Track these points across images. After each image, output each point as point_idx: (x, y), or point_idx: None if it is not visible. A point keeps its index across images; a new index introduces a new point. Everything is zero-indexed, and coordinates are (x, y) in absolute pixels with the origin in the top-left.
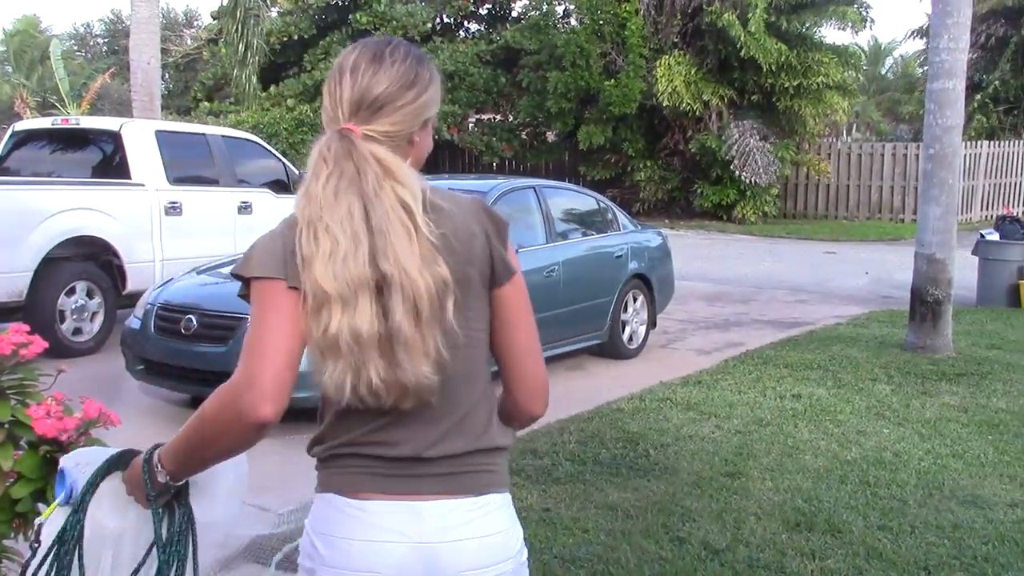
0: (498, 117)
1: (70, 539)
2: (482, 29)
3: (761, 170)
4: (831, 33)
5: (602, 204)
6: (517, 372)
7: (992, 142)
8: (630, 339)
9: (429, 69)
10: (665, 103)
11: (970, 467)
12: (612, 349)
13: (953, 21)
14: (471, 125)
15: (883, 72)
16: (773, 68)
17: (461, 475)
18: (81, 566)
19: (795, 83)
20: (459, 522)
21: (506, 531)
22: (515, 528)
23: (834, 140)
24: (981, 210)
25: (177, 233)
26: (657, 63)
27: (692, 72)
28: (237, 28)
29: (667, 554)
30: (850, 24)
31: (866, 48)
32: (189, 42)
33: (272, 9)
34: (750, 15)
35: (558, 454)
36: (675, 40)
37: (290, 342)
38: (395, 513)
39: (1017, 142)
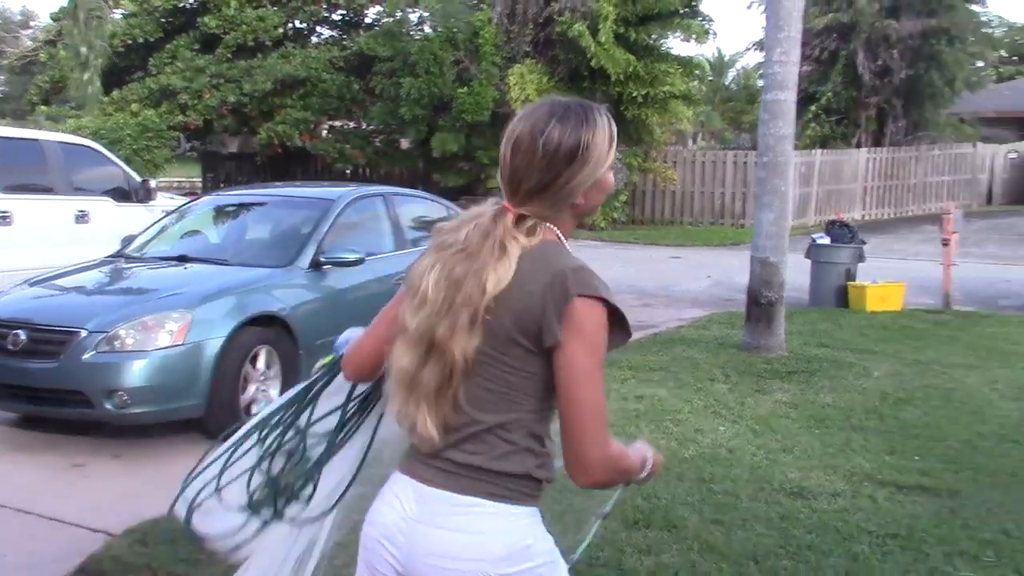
0: (351, 124)
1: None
2: (335, 35)
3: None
4: (677, 45)
5: (453, 211)
6: (563, 437)
7: (825, 150)
8: None
9: (591, 132)
10: (518, 111)
11: (798, 460)
12: None
13: (785, 35)
14: (324, 132)
15: (727, 83)
16: (622, 78)
17: (463, 477)
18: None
19: (643, 92)
20: (443, 512)
21: (487, 534)
22: (503, 536)
23: (680, 148)
24: (815, 215)
25: (7, 244)
26: (510, 71)
27: (544, 81)
28: (78, 29)
29: None
30: (694, 36)
31: (711, 60)
32: (27, 43)
33: (115, 11)
34: (600, 26)
35: None
36: (527, 49)
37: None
38: (403, 486)
39: (846, 151)
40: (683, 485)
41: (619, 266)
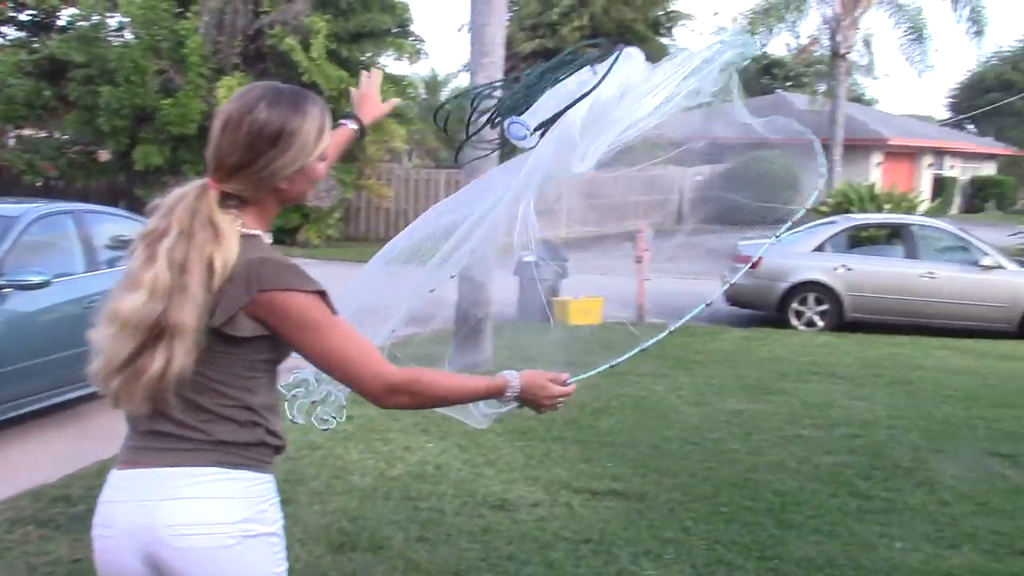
0: (42, 133)
1: None
2: (23, 37)
3: (324, 194)
4: (391, 64)
5: None
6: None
7: None
8: None
9: (300, 119)
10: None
11: (501, 473)
12: None
13: (489, 60)
14: (11, 141)
15: (441, 102)
16: (335, 94)
17: (197, 451)
18: None
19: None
20: (181, 484)
21: (228, 499)
22: (243, 500)
23: (394, 166)
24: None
25: None
26: (218, 84)
27: None
28: None
29: None
30: (407, 56)
31: (426, 79)
32: None
33: None
34: (312, 41)
35: (95, 499)
36: (236, 61)
37: None
38: (130, 479)
39: None
40: (389, 504)
41: (333, 284)
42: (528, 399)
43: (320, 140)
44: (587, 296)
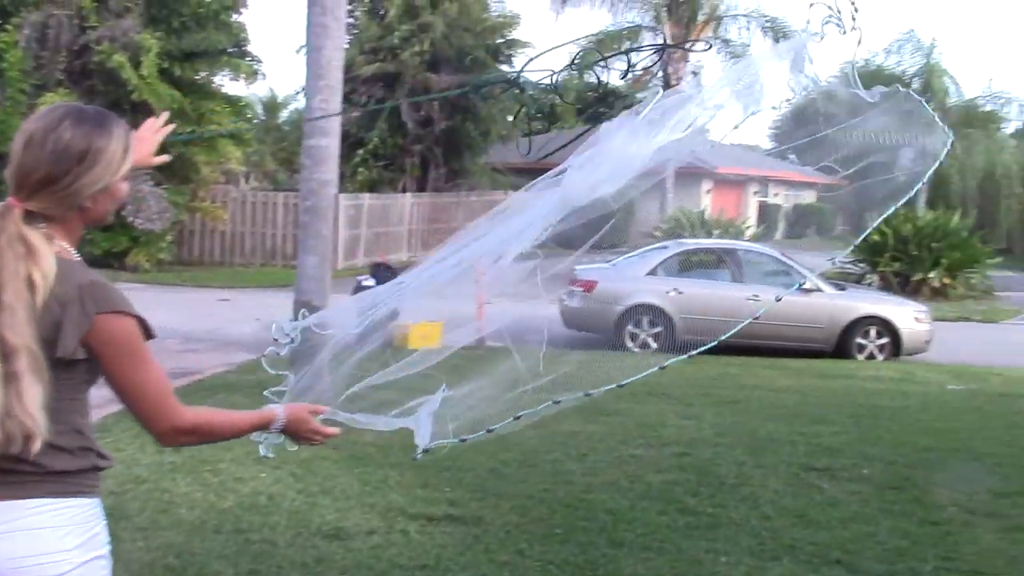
0: None
1: None
2: None
3: (156, 216)
4: (227, 84)
5: None
6: (136, 418)
7: (373, 194)
8: None
9: (105, 138)
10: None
11: (337, 502)
12: None
13: (325, 83)
14: None
15: (280, 123)
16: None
17: (26, 483)
18: None
19: (188, 130)
20: (13, 518)
21: (62, 528)
22: (77, 527)
23: (231, 187)
24: (364, 257)
25: None
26: (40, 100)
27: None
28: None
29: None
30: (243, 76)
31: (264, 99)
32: None
33: None
34: (143, 59)
35: None
36: (60, 77)
37: None
38: None
39: (393, 195)
40: (219, 537)
41: (164, 310)
42: (291, 431)
43: (125, 160)
44: (426, 320)
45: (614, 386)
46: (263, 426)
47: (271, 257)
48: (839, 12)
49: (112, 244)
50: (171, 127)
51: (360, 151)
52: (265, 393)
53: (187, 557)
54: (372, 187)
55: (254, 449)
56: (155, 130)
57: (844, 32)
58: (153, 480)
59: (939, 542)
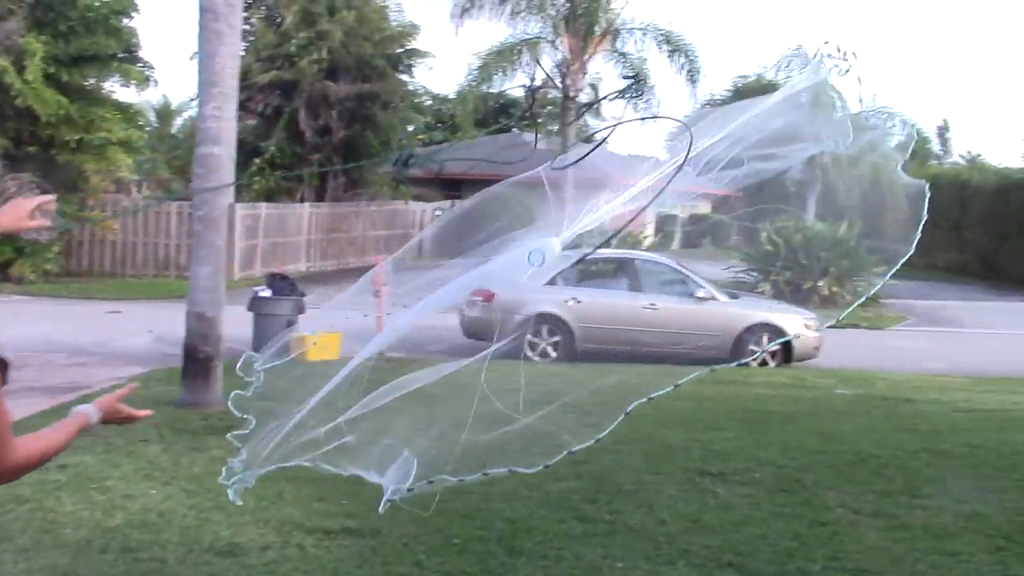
0: None
1: None
2: None
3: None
4: (118, 90)
5: None
6: None
7: (270, 204)
8: None
9: None
10: None
11: (231, 517)
12: None
13: (219, 91)
14: None
15: (174, 131)
16: (53, 120)
17: None
18: None
19: (76, 137)
20: None
21: None
22: None
23: (122, 196)
24: (261, 267)
25: None
26: None
27: None
28: None
29: None
30: (134, 82)
31: (157, 106)
32: None
33: None
34: (27, 62)
35: None
36: None
37: None
38: None
39: (291, 205)
40: (107, 557)
41: (50, 323)
42: (109, 421)
43: None
44: (323, 331)
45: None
46: (84, 428)
47: (164, 268)
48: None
49: None
50: (54, 202)
51: (257, 160)
52: (228, 437)
53: None
54: (269, 196)
55: (143, 466)
56: (37, 203)
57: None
58: (36, 499)
59: (827, 542)
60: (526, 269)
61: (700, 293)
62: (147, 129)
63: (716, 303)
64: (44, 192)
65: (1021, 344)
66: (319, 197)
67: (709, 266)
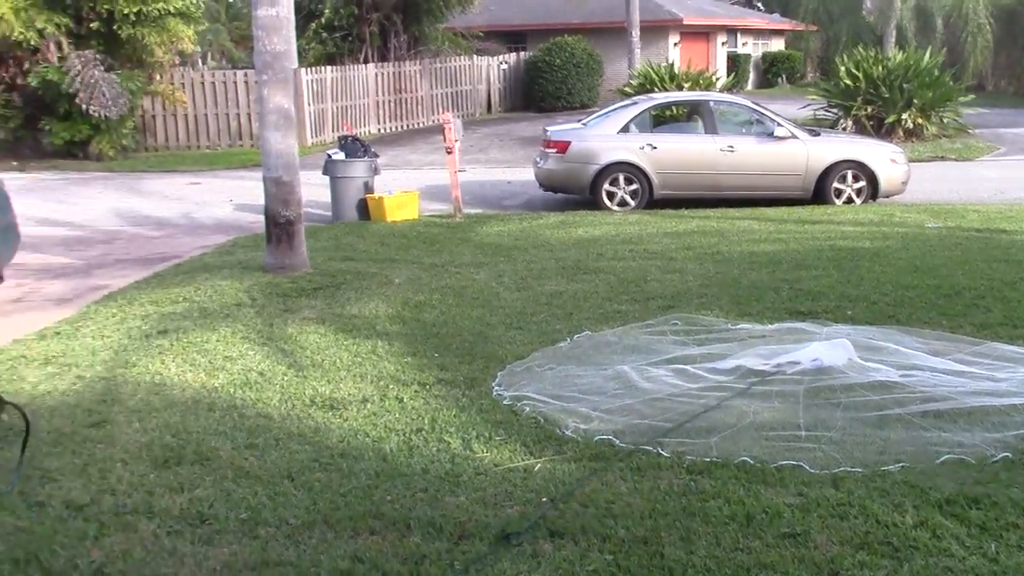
0: None
1: None
2: None
3: (110, 102)
4: None
5: None
6: None
7: (335, 67)
8: None
9: None
10: None
11: (328, 373)
12: None
13: None
14: None
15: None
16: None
17: None
18: None
19: (135, 9)
20: None
21: None
22: None
23: (188, 69)
24: (333, 131)
25: None
26: None
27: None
28: None
29: (24, 523)
30: None
31: None
32: None
33: None
34: None
35: None
36: None
37: None
38: None
39: (355, 67)
40: (214, 415)
41: (135, 197)
42: None
43: None
44: (401, 191)
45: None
46: None
47: (237, 138)
48: None
49: (72, 133)
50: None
51: (313, 24)
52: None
53: (184, 436)
54: (330, 60)
55: (239, 328)
56: None
57: None
58: (143, 364)
59: None
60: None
61: (779, 132)
62: None
63: (796, 141)
64: (109, 68)
65: None
66: (382, 58)
67: (786, 104)
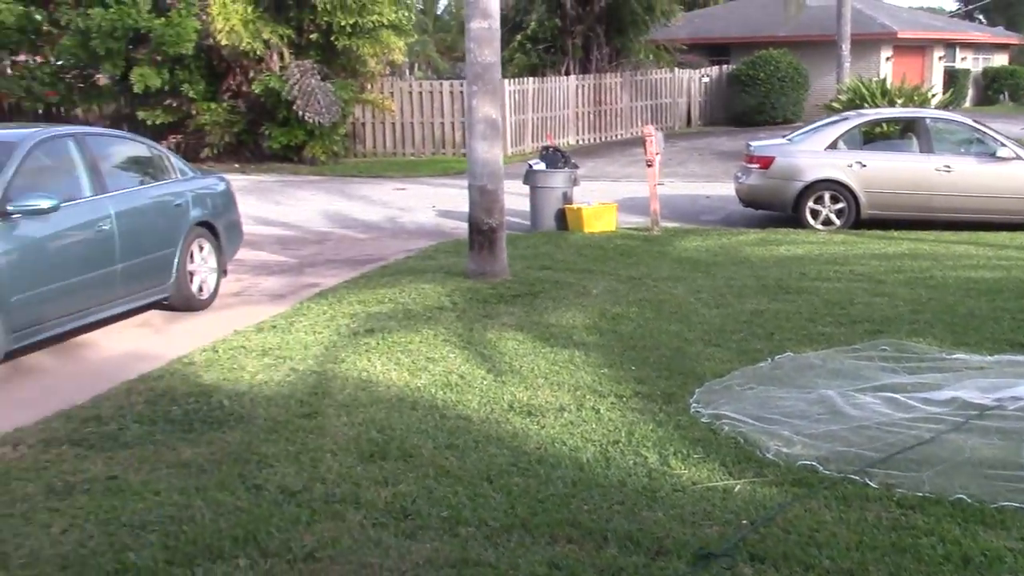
0: (38, 59)
1: None
2: None
3: (324, 110)
4: None
5: (156, 151)
6: None
7: (536, 78)
8: (200, 289)
9: None
10: (224, 42)
11: (526, 380)
12: (182, 302)
13: None
14: (7, 69)
15: (439, 12)
16: (329, 7)
17: None
18: None
19: (351, 22)
20: None
21: None
22: None
23: (396, 79)
24: (532, 142)
25: None
26: (211, 1)
27: (249, 11)
28: None
29: (243, 504)
30: None
31: None
32: None
33: None
34: None
35: (125, 417)
36: None
37: None
38: None
39: (557, 78)
40: (416, 414)
41: (344, 201)
42: None
43: None
44: (599, 202)
45: None
46: None
47: (441, 146)
48: None
49: (289, 138)
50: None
51: (518, 36)
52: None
53: (388, 432)
54: (532, 72)
55: (441, 331)
56: None
57: None
58: (351, 360)
59: None
60: None
61: (1002, 152)
62: (415, 9)
63: (1021, 163)
64: (324, 77)
65: None
66: (583, 69)
67: (1008, 123)
